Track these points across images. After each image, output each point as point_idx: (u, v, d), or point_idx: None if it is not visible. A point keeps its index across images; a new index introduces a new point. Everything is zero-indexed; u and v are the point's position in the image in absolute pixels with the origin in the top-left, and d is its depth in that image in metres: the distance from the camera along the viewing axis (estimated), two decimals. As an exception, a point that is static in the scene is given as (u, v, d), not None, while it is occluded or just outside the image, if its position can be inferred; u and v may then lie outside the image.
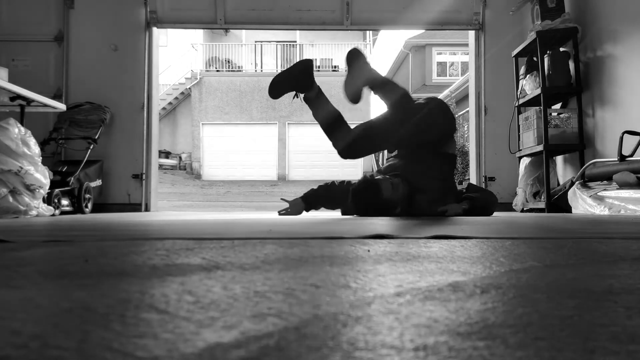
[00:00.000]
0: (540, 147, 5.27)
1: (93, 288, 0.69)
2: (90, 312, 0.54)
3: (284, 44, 22.91)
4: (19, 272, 0.85)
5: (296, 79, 3.91)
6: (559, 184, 5.60)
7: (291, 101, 4.08)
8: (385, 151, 4.42)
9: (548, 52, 5.36)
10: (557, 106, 5.74)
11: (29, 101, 4.82)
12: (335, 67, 22.50)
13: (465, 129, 14.32)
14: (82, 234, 1.76)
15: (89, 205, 5.62)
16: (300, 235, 1.59)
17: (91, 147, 5.81)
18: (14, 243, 1.41)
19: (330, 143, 4.09)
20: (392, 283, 0.72)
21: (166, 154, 22.26)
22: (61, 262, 0.99)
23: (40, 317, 0.52)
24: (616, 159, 4.34)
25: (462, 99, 17.17)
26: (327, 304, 0.58)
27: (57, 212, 4.81)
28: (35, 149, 4.40)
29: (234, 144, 21.88)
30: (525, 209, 5.65)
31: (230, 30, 22.53)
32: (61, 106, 5.39)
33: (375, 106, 22.60)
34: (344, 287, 0.69)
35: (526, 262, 0.97)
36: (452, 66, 25.58)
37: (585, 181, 4.69)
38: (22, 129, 4.36)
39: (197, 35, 23.30)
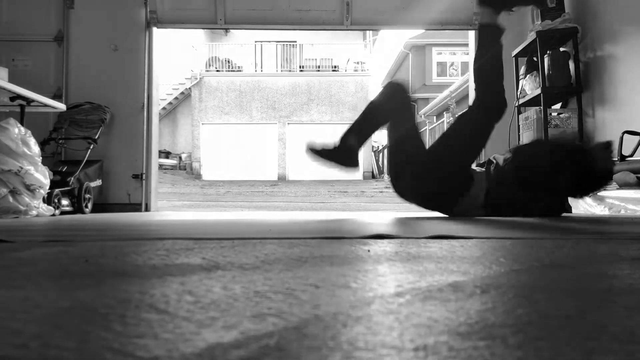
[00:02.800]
0: (540, 147, 5.26)
1: (93, 288, 0.69)
2: (91, 312, 0.54)
3: (284, 44, 22.92)
4: (19, 272, 0.85)
5: None
6: (559, 184, 5.59)
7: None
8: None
9: (548, 52, 5.36)
10: (557, 106, 5.73)
11: (29, 101, 4.81)
12: (335, 67, 22.51)
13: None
14: (82, 234, 1.76)
15: (89, 205, 5.61)
16: (300, 235, 1.59)
17: (91, 147, 5.80)
18: (14, 243, 1.41)
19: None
20: (392, 283, 0.72)
21: (166, 154, 22.26)
22: (61, 262, 0.99)
23: (41, 317, 0.52)
24: (616, 159, 4.33)
25: (462, 99, 17.19)
26: (327, 304, 0.58)
27: (57, 212, 4.80)
28: (35, 149, 4.40)
29: (234, 144, 21.88)
30: (525, 209, 5.64)
31: (231, 30, 22.54)
32: (61, 106, 5.39)
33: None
34: (344, 287, 0.69)
35: (526, 262, 0.97)
36: (452, 66, 25.57)
37: (585, 181, 4.68)
38: (22, 129, 4.36)
39: (197, 35, 23.31)
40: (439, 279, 0.74)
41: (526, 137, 5.68)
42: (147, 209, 6.31)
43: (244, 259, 0.99)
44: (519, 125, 5.93)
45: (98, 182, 5.94)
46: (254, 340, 0.42)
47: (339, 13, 6.41)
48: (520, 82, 5.87)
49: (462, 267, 0.86)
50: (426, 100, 24.56)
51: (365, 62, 22.95)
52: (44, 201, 4.45)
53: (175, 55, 21.98)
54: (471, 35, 6.59)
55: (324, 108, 21.91)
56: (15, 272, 0.84)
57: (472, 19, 6.42)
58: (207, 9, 6.39)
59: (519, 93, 5.89)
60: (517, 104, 5.91)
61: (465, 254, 1.08)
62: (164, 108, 22.35)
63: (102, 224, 2.60)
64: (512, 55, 5.99)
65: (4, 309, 0.56)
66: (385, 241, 1.38)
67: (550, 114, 5.40)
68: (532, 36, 5.43)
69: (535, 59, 5.61)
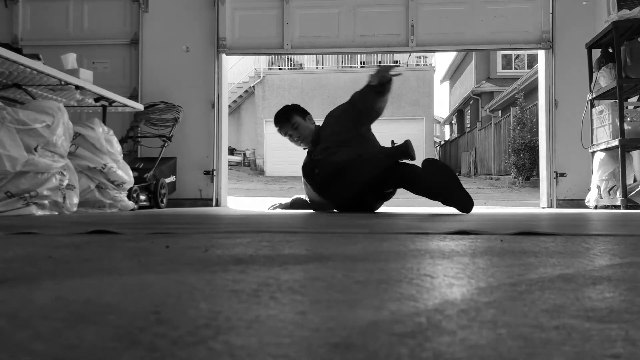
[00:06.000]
0: (615, 142, 5.09)
1: (232, 273, 0.77)
2: (242, 294, 0.62)
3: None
4: (152, 260, 0.94)
5: None
6: (635, 180, 5.39)
7: None
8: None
9: (625, 42, 5.16)
10: (634, 99, 5.52)
11: (110, 102, 5.09)
12: (396, 62, 22.41)
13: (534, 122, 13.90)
14: (180, 227, 1.89)
15: (164, 200, 5.87)
16: (389, 230, 1.65)
17: (165, 145, 6.06)
18: (123, 235, 1.53)
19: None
20: (501, 275, 0.76)
21: (231, 151, 22.81)
22: (181, 251, 1.09)
23: (212, 295, 0.60)
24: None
25: (530, 91, 16.70)
26: (450, 292, 0.63)
27: (136, 206, 5.05)
28: (118, 147, 4.65)
29: (296, 141, 22.13)
30: (599, 205, 5.47)
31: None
32: (139, 106, 5.66)
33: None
34: (454, 277, 0.74)
35: (627, 257, 0.98)
36: (518, 59, 24.86)
37: (666, 177, 4.49)
38: (106, 128, 4.62)
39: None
40: (546, 272, 0.77)
41: (600, 131, 5.50)
42: (217, 204, 6.54)
43: (347, 250, 1.05)
44: (592, 119, 5.74)
45: (172, 178, 6.20)
46: (407, 318, 0.48)
47: (404, 36, 6.48)
48: (594, 74, 5.67)
49: (562, 261, 0.90)
50: (490, 94, 24.02)
51: (428, 56, 22.67)
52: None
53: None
54: (540, 54, 6.50)
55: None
56: (149, 260, 0.94)
57: (541, 38, 6.32)
58: (275, 37, 6.57)
59: (592, 86, 5.70)
60: (590, 97, 5.73)
61: (559, 248, 1.11)
62: (229, 106, 22.92)
63: (189, 217, 2.75)
64: (585, 46, 5.81)
65: (172, 288, 0.64)
66: (472, 236, 1.42)
67: (627, 107, 5.20)
68: (607, 26, 5.24)
69: (610, 50, 5.42)
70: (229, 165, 22.37)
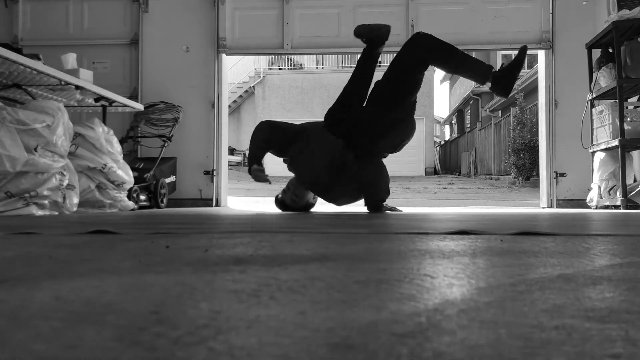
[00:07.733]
0: (615, 142, 5.09)
1: (232, 274, 0.77)
2: (242, 294, 0.62)
3: (345, 40, 22.96)
4: (152, 260, 0.94)
5: None
6: (635, 180, 5.39)
7: None
8: None
9: (625, 42, 5.16)
10: (634, 99, 5.52)
11: (110, 102, 5.09)
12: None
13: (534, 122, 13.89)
14: (181, 227, 1.89)
15: (164, 200, 5.87)
16: (387, 230, 1.65)
17: (165, 145, 6.06)
18: (122, 234, 1.53)
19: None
20: (502, 275, 0.76)
21: (231, 151, 22.79)
22: (181, 251, 1.09)
23: (211, 295, 0.60)
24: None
25: (530, 91, 16.69)
26: (450, 292, 0.63)
27: (136, 206, 5.05)
28: (118, 147, 4.65)
29: (296, 141, 22.13)
30: (599, 205, 5.47)
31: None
32: (139, 106, 5.66)
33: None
34: (454, 277, 0.74)
35: (627, 257, 0.98)
36: (518, 58, 24.81)
37: (666, 177, 4.49)
38: (106, 128, 4.62)
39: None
40: (546, 272, 0.77)
41: (600, 131, 5.49)
42: (217, 204, 6.54)
43: (347, 250, 1.05)
44: (592, 119, 5.74)
45: (172, 178, 6.20)
46: (407, 318, 0.48)
47: (404, 36, 6.48)
48: (594, 74, 5.67)
49: (562, 261, 0.90)
50: (490, 94, 24.02)
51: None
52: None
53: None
54: (540, 54, 6.52)
55: (385, 103, 21.86)
56: (149, 260, 0.94)
57: (541, 38, 6.34)
58: (274, 37, 6.58)
59: (592, 86, 5.70)
60: (590, 97, 5.73)
61: (559, 249, 1.11)
62: (229, 106, 22.92)
63: (189, 217, 2.75)
64: (586, 46, 5.81)
65: (172, 288, 0.64)
66: (472, 236, 1.42)
67: (627, 107, 5.20)
68: (607, 27, 5.24)
69: (611, 50, 5.41)
70: (229, 165, 22.34)
